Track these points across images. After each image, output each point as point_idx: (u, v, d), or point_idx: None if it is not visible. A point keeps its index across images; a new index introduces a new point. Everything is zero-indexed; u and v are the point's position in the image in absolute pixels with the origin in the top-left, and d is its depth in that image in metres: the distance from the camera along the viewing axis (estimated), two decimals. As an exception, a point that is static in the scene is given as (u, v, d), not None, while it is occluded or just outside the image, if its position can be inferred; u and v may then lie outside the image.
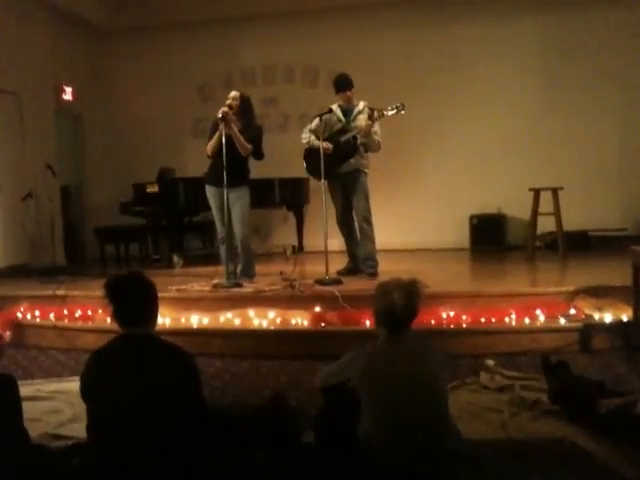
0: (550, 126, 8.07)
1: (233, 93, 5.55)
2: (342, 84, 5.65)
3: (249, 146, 5.40)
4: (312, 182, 6.56)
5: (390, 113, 5.44)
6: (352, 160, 5.62)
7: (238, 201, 5.48)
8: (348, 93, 5.64)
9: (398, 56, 8.38)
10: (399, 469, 2.36)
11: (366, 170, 5.73)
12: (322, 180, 5.47)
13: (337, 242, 6.12)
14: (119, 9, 8.84)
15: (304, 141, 5.76)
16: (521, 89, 8.17)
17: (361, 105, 5.68)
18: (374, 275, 5.61)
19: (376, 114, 5.50)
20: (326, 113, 5.60)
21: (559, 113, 8.04)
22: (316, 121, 5.67)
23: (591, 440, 2.89)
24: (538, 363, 3.79)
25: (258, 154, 5.54)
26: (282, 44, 8.68)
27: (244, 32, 8.78)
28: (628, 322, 4.38)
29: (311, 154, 5.70)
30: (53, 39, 8.15)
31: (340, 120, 5.67)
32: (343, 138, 5.60)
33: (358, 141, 5.56)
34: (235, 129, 5.34)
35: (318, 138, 5.59)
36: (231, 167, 5.27)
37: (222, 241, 5.58)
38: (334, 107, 5.72)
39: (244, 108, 5.49)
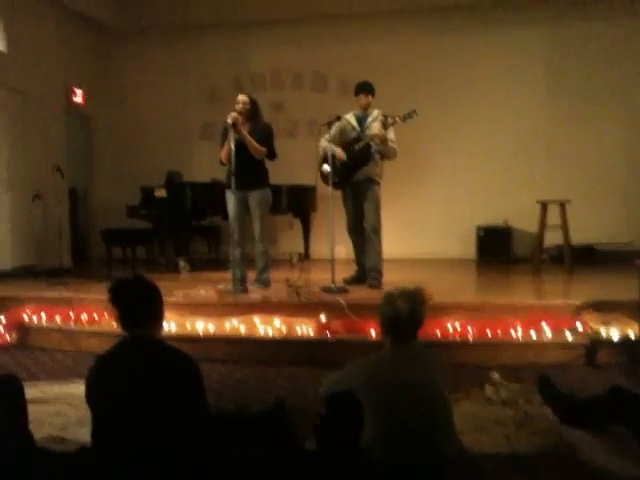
0: (557, 139, 8.09)
1: (242, 97, 5.43)
2: (361, 87, 5.63)
3: (263, 149, 5.35)
4: (320, 190, 6.54)
5: (402, 119, 5.42)
6: (365, 168, 5.58)
7: (257, 206, 5.43)
8: (366, 98, 5.59)
9: (405, 65, 8.40)
10: (399, 478, 2.35)
11: (379, 179, 5.68)
12: (330, 187, 5.46)
13: (344, 250, 6.12)
14: (129, 11, 8.89)
15: (320, 150, 5.63)
16: (528, 101, 8.19)
17: (375, 113, 5.64)
18: (376, 287, 5.53)
19: (390, 121, 5.50)
20: (334, 121, 5.54)
21: (566, 126, 8.06)
22: (333, 130, 5.62)
23: (597, 455, 2.87)
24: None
25: (271, 154, 5.47)
26: (291, 50, 8.71)
27: (254, 36, 8.82)
28: (636, 340, 4.35)
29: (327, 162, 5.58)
30: (63, 40, 8.21)
31: (354, 128, 5.64)
32: (357, 146, 5.57)
33: (372, 149, 5.54)
34: (246, 134, 5.29)
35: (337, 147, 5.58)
36: (247, 170, 5.24)
37: (236, 246, 5.48)
38: (348, 116, 5.69)
39: (253, 110, 5.43)
